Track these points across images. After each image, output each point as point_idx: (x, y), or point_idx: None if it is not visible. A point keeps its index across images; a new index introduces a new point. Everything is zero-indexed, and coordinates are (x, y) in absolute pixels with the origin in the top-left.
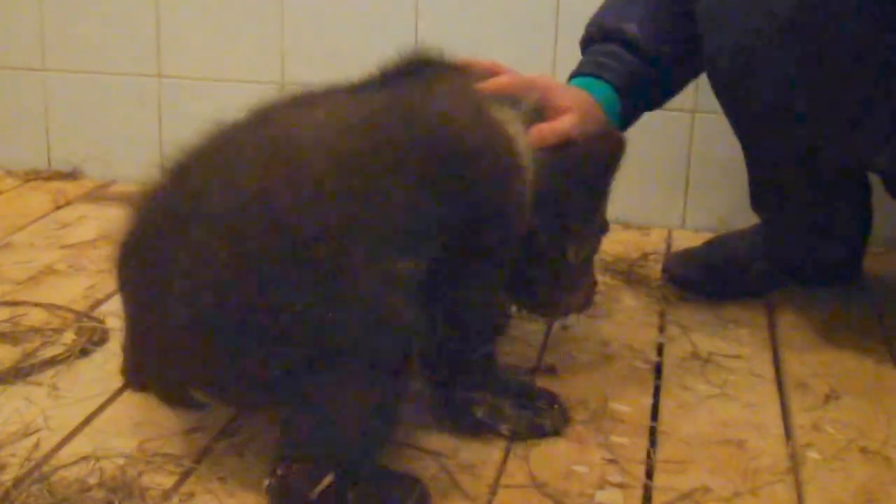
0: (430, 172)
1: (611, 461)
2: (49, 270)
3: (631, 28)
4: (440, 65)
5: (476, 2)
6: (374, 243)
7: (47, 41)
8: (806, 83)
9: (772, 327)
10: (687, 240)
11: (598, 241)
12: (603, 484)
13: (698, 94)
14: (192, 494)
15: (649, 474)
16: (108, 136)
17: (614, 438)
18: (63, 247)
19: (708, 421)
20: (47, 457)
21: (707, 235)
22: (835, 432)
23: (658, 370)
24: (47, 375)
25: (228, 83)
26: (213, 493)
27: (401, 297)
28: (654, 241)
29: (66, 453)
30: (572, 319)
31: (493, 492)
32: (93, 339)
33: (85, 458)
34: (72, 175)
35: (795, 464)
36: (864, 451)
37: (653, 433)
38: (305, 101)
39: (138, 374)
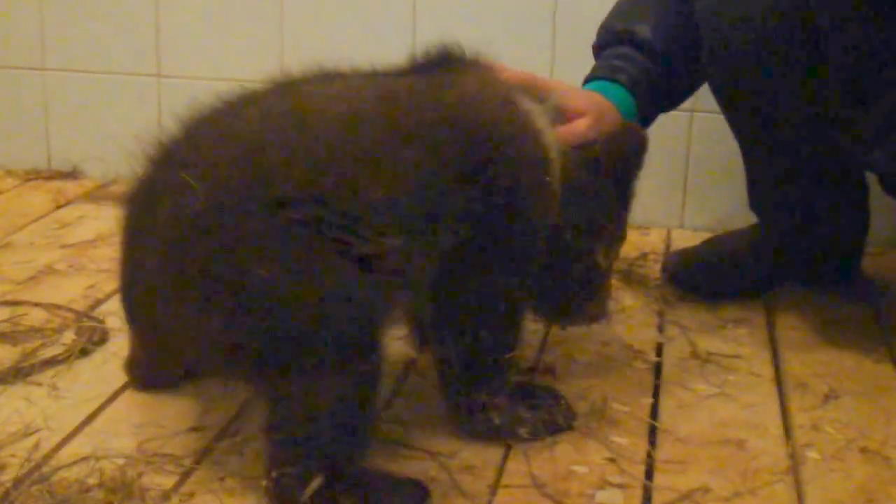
0: (455, 154)
1: (611, 461)
2: (49, 270)
3: (643, 30)
4: (468, 60)
5: (474, 2)
6: (367, 215)
7: (47, 41)
8: (802, 81)
9: (771, 327)
10: (686, 239)
11: (619, 244)
12: (603, 484)
13: (697, 95)
14: (192, 494)
15: (649, 474)
16: (108, 136)
17: (614, 438)
18: (63, 246)
19: (707, 421)
20: (47, 457)
21: (706, 235)
22: (834, 432)
23: (657, 370)
24: (47, 375)
25: (228, 83)
26: (213, 493)
27: (373, 280)
28: (653, 241)
29: (66, 453)
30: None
31: (494, 492)
32: (93, 339)
33: (85, 459)
34: (72, 175)
35: (795, 464)
36: (863, 450)
37: (653, 433)
38: (327, 76)
39: (138, 367)
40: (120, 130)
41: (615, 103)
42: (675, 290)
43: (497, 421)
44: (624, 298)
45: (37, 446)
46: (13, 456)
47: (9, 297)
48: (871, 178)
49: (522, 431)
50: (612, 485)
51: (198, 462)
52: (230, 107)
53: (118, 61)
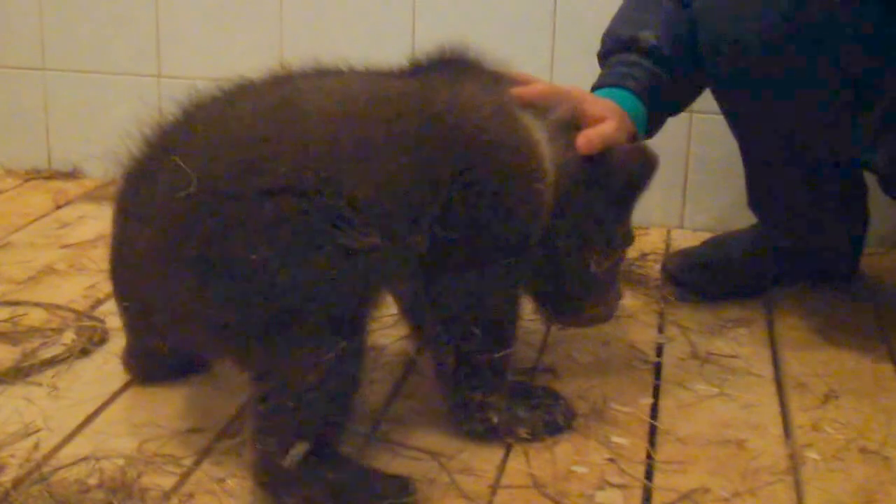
0: (439, 159)
1: (611, 461)
2: (49, 270)
3: (648, 36)
4: (472, 63)
5: (473, 2)
6: (347, 211)
7: (47, 41)
8: (800, 79)
9: (771, 327)
10: (686, 240)
11: (623, 253)
12: (603, 484)
13: None
14: (191, 495)
15: (649, 474)
16: (108, 136)
17: (614, 438)
18: (63, 246)
19: (707, 421)
20: (47, 457)
21: (706, 235)
22: (834, 432)
23: (657, 370)
24: (47, 375)
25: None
26: (213, 494)
27: (357, 270)
28: (653, 241)
29: (66, 454)
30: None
31: (494, 492)
32: (93, 339)
33: (85, 459)
34: (72, 174)
35: (795, 464)
36: (863, 450)
37: (653, 433)
38: (323, 73)
39: (135, 357)
40: (120, 131)
41: (626, 110)
42: (675, 290)
43: (496, 420)
44: (624, 298)
45: (37, 446)
46: (13, 456)
47: (9, 297)
48: (871, 178)
49: (522, 431)
50: (612, 485)
51: (198, 462)
52: (226, 95)
53: (118, 61)
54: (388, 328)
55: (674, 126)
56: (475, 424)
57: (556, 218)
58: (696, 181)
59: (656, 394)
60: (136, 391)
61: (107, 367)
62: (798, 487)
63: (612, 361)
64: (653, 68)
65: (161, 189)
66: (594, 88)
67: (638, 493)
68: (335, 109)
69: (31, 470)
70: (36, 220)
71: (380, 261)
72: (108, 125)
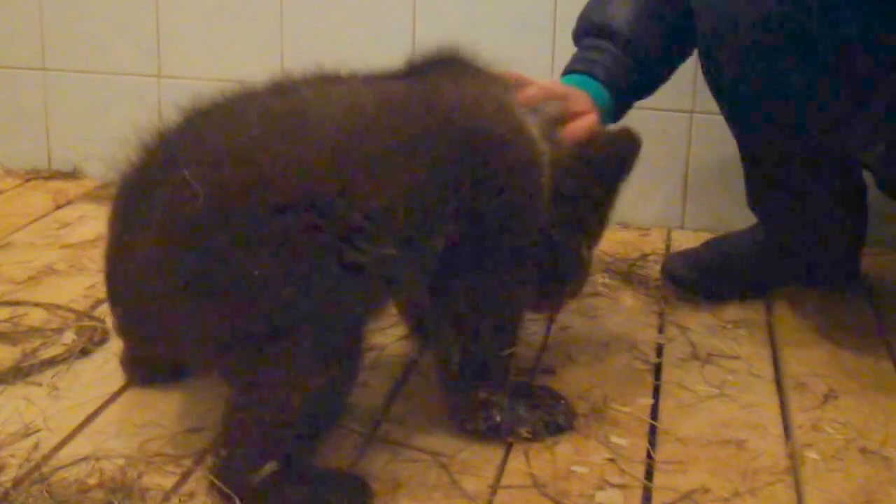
0: (452, 160)
1: (611, 461)
2: (49, 270)
3: (619, 23)
4: (466, 63)
5: (474, 2)
6: (362, 222)
7: (48, 41)
8: (798, 77)
9: (770, 327)
10: (686, 240)
11: (602, 234)
12: (603, 484)
13: (696, 95)
14: (192, 495)
15: (649, 474)
16: (109, 136)
17: (614, 439)
18: (63, 246)
19: (707, 421)
20: (47, 457)
21: (706, 236)
22: (834, 432)
23: (657, 370)
24: (47, 375)
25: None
26: (213, 494)
27: (362, 288)
28: (654, 242)
29: (66, 454)
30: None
31: (494, 492)
32: (93, 339)
33: (85, 459)
34: (72, 174)
35: (794, 464)
36: (862, 450)
37: (653, 433)
38: (325, 79)
39: (133, 360)
40: (120, 130)
41: (592, 98)
42: (676, 290)
43: (498, 418)
44: (624, 299)
45: (36, 446)
46: (13, 456)
47: (9, 297)
48: (871, 178)
49: (523, 431)
50: (612, 485)
51: (198, 462)
52: (231, 105)
53: (118, 61)
54: (388, 328)
55: (675, 126)
56: (478, 423)
57: (553, 208)
58: (696, 182)
59: (656, 394)
60: (136, 391)
61: (107, 367)
62: (798, 487)
63: (612, 362)
64: (621, 56)
65: (163, 200)
66: (565, 72)
67: (638, 493)
68: (344, 119)
69: (31, 470)
70: (36, 220)
71: (394, 271)
72: (109, 125)
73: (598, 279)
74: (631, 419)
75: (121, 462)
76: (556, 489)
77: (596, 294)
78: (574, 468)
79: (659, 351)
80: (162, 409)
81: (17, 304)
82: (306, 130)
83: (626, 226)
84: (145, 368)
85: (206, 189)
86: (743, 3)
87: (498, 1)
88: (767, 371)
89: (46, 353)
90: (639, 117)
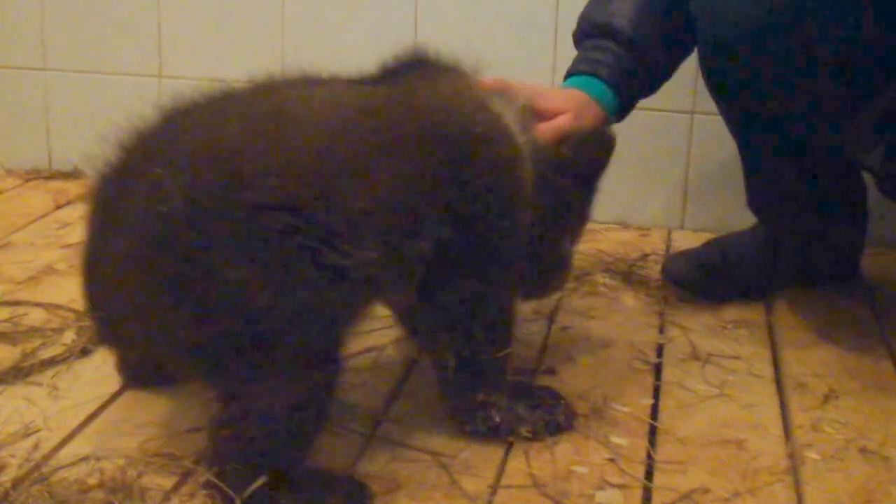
0: (433, 162)
1: (611, 461)
2: (49, 270)
3: (621, 23)
4: (438, 63)
5: (476, 3)
6: (343, 225)
7: (48, 41)
8: (798, 79)
9: (770, 328)
10: (686, 241)
11: (583, 229)
12: (603, 484)
13: (697, 96)
14: (192, 495)
15: (649, 474)
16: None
17: (614, 439)
18: (63, 246)
19: (707, 421)
20: (47, 457)
21: (706, 236)
22: (834, 432)
23: (658, 371)
24: (47, 375)
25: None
26: (213, 494)
27: (343, 292)
28: (654, 242)
29: (66, 454)
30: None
31: (494, 492)
32: (93, 339)
33: (85, 459)
34: (72, 175)
35: (794, 464)
36: (862, 450)
37: (653, 433)
38: (307, 81)
39: (128, 368)
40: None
41: (596, 98)
42: (676, 290)
43: (497, 419)
44: (624, 299)
45: (37, 446)
46: (13, 456)
47: (9, 297)
48: (870, 177)
49: (523, 430)
50: (612, 485)
51: (198, 462)
52: (211, 104)
53: (119, 62)
54: (388, 328)
55: (675, 127)
56: (478, 424)
57: (535, 206)
58: (696, 182)
59: (656, 394)
60: (136, 391)
61: (107, 367)
62: (798, 487)
63: (612, 362)
64: (624, 55)
65: (140, 200)
66: (568, 74)
67: (638, 493)
68: (324, 121)
69: (31, 470)
70: (36, 220)
71: (376, 274)
72: (109, 125)
73: (599, 279)
74: (631, 419)
75: (121, 462)
76: (556, 489)
77: (596, 294)
78: (574, 468)
79: (659, 351)
80: (162, 409)
81: (18, 304)
82: (287, 132)
83: (626, 226)
84: (141, 372)
85: (182, 188)
86: (742, 4)
87: (499, 1)
88: (767, 371)
89: (46, 353)
90: (639, 117)
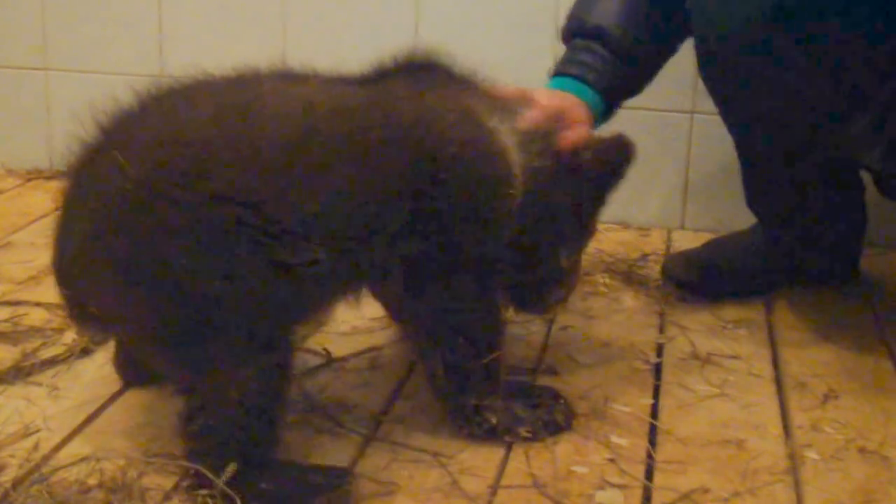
0: (401, 174)
1: (611, 461)
2: (50, 270)
3: (609, 24)
4: (440, 68)
5: (476, 3)
6: (293, 225)
7: (49, 40)
8: (796, 77)
9: (770, 328)
10: (686, 241)
11: (588, 241)
12: (603, 484)
13: (696, 96)
14: (192, 495)
15: (649, 474)
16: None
17: (614, 438)
18: None
19: (707, 421)
20: (47, 457)
21: (706, 236)
22: (833, 432)
23: (658, 370)
24: (47, 375)
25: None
26: (213, 494)
27: (291, 286)
28: (654, 242)
29: (66, 454)
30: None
31: (494, 492)
32: (93, 339)
33: (85, 459)
34: None
35: (794, 464)
36: (862, 450)
37: (653, 433)
38: (287, 77)
39: (125, 363)
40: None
41: (586, 103)
42: (676, 290)
43: (494, 421)
44: (624, 299)
45: (36, 447)
46: (12, 456)
47: (9, 297)
48: (868, 177)
49: (522, 430)
50: (612, 485)
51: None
52: (184, 92)
53: (120, 61)
54: (388, 328)
55: (675, 127)
56: (474, 428)
57: (526, 219)
58: (696, 182)
59: (656, 394)
60: (137, 391)
61: (107, 367)
62: (797, 487)
63: (612, 362)
64: (613, 59)
65: (98, 180)
66: (556, 73)
67: (638, 493)
68: (294, 119)
69: (31, 470)
70: (37, 219)
71: (323, 276)
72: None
73: (598, 279)
74: (631, 419)
75: (121, 462)
76: (556, 489)
77: (596, 294)
78: (574, 468)
79: (659, 351)
80: (162, 409)
81: (18, 303)
82: (254, 126)
83: (626, 226)
84: (138, 370)
85: (140, 171)
86: (740, 2)
87: (500, 1)
88: (767, 371)
89: (46, 353)
90: (639, 117)
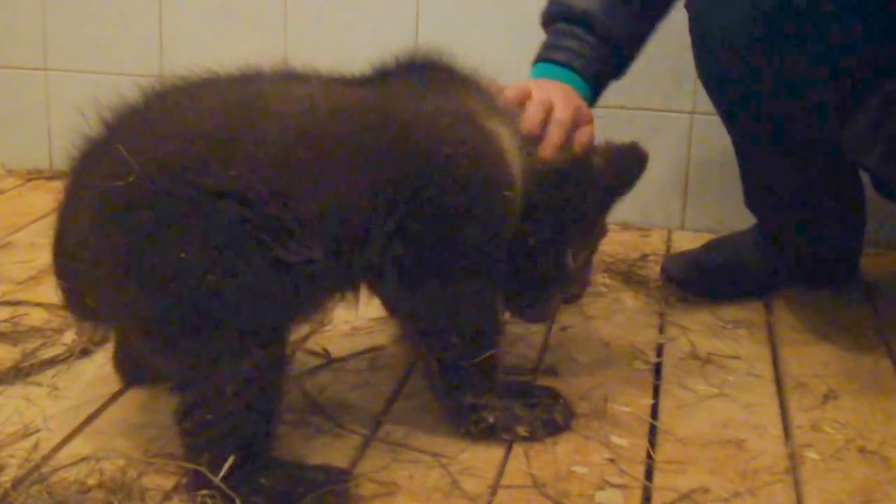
0: (397, 177)
1: (611, 461)
2: (50, 270)
3: (596, 10)
4: (443, 70)
5: (476, 3)
6: (292, 224)
7: (49, 41)
8: (794, 77)
9: (770, 328)
10: (686, 241)
11: (596, 245)
12: (603, 484)
13: (696, 96)
14: (192, 495)
15: (649, 474)
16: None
17: (614, 439)
18: None
19: (707, 421)
20: (47, 457)
21: (706, 237)
22: (833, 432)
23: (658, 371)
24: (47, 375)
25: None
26: (214, 494)
27: (288, 283)
28: (654, 242)
29: (66, 454)
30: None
31: (494, 492)
32: (93, 339)
33: (85, 459)
34: None
35: (794, 464)
36: (862, 450)
37: (653, 433)
38: (290, 77)
39: (124, 362)
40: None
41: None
42: (676, 291)
43: (491, 419)
44: (624, 299)
45: (36, 447)
46: (12, 456)
47: (9, 297)
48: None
49: (520, 429)
50: (612, 485)
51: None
52: (188, 89)
53: (121, 62)
54: (388, 328)
55: (675, 127)
56: (471, 427)
57: (528, 221)
58: (696, 183)
59: (656, 394)
60: (137, 391)
61: (107, 367)
62: (797, 487)
63: (612, 362)
64: (597, 44)
65: (101, 174)
66: (539, 59)
67: (638, 493)
68: (296, 119)
69: (31, 470)
70: (37, 219)
71: (319, 274)
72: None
73: (598, 279)
74: (631, 419)
75: (121, 462)
76: (556, 489)
77: (596, 294)
78: (574, 468)
79: (659, 351)
80: (162, 409)
81: (18, 303)
82: (255, 124)
83: (626, 226)
84: (137, 368)
85: (143, 165)
86: (739, 2)
87: (500, 1)
88: (767, 371)
89: (46, 353)
90: (639, 117)
